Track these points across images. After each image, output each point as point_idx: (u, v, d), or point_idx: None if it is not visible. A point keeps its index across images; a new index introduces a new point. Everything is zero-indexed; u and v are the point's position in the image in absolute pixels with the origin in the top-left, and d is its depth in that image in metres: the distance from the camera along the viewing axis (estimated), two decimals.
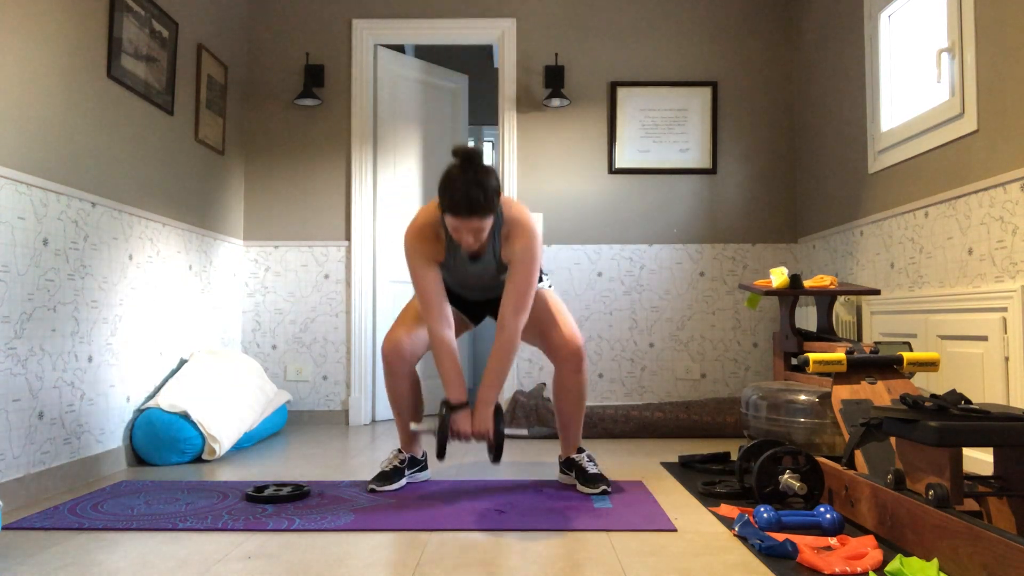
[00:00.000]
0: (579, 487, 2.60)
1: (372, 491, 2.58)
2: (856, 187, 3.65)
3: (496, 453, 2.42)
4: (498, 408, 2.44)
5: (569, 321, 2.65)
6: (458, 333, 2.77)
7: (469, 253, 2.49)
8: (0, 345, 2.35)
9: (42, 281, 2.56)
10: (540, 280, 2.69)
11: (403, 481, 2.66)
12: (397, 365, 2.60)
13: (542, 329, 2.64)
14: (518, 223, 2.45)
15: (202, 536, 2.07)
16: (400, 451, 2.72)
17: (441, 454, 2.37)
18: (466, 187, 2.23)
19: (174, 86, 3.52)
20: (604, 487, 2.53)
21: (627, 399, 4.34)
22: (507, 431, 3.30)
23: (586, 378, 2.67)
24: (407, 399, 2.66)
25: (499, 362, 2.44)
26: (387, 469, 2.65)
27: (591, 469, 2.61)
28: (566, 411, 2.68)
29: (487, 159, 6.36)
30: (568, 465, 2.69)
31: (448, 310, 2.48)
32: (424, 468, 2.79)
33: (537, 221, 4.40)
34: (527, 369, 4.37)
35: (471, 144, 2.32)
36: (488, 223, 2.31)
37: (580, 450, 2.70)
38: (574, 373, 2.63)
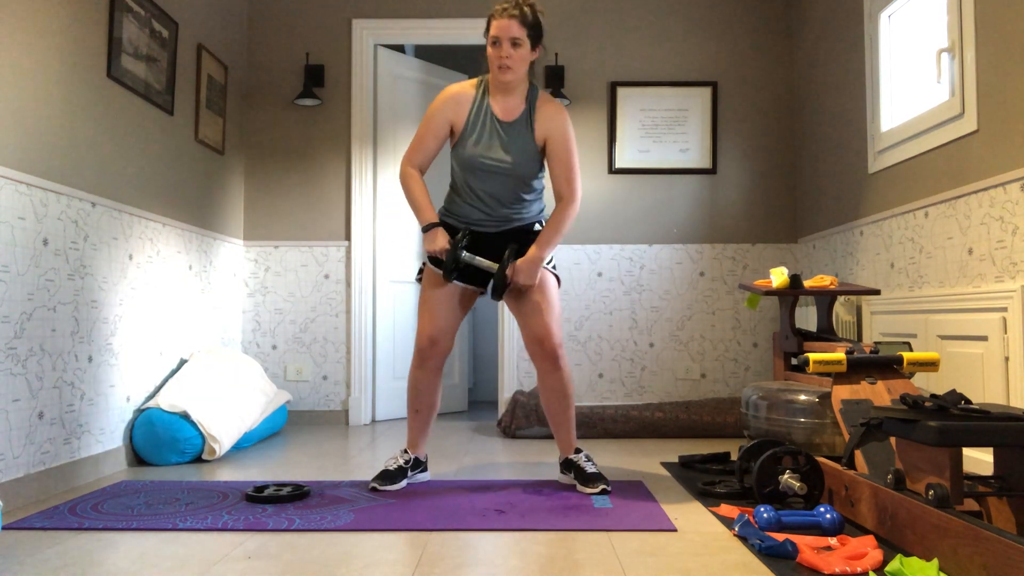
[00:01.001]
0: (579, 487, 2.60)
1: (374, 490, 2.58)
2: (856, 187, 3.65)
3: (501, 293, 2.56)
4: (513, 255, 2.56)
5: (551, 316, 2.62)
6: (463, 313, 2.74)
7: (500, 114, 2.57)
8: (0, 345, 2.35)
9: (42, 281, 2.56)
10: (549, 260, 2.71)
11: (405, 482, 2.66)
12: (432, 360, 2.65)
13: (524, 318, 2.63)
14: (552, 101, 2.61)
15: (202, 536, 2.07)
16: (406, 451, 2.72)
17: (498, 295, 2.54)
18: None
19: (174, 86, 3.52)
20: (603, 486, 2.53)
21: (627, 399, 4.34)
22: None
23: (568, 375, 2.66)
24: (429, 396, 2.69)
25: (557, 227, 2.57)
26: (391, 468, 2.65)
27: (589, 469, 2.61)
28: (554, 411, 2.68)
29: None
30: (567, 466, 2.69)
31: (427, 165, 2.64)
32: (425, 469, 2.79)
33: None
34: (527, 369, 4.37)
35: None
36: (524, 37, 2.47)
37: (578, 450, 2.70)
38: (553, 370, 2.62)
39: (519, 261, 2.57)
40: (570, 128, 2.59)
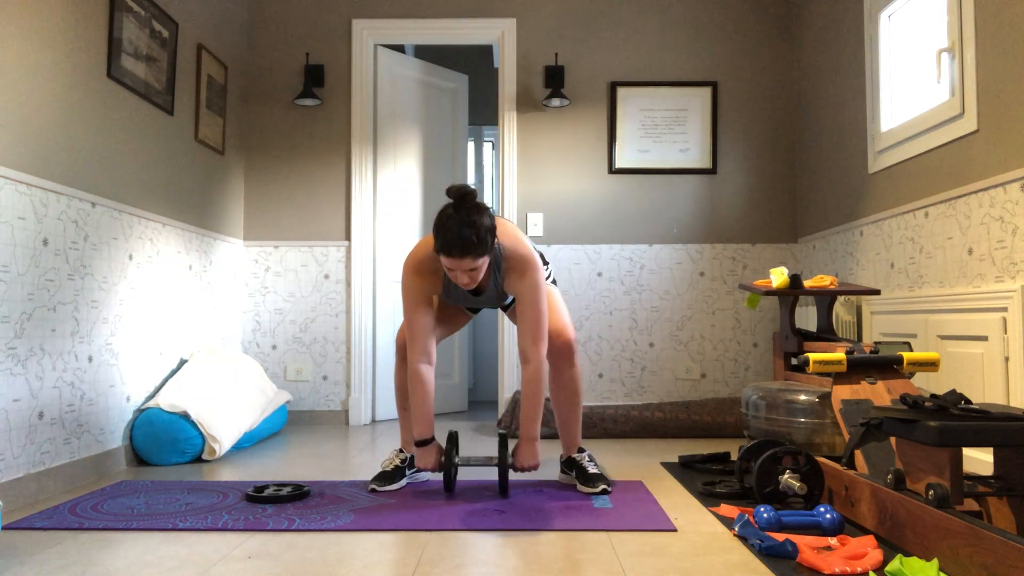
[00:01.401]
0: (579, 487, 2.60)
1: (373, 491, 2.58)
2: (856, 187, 3.65)
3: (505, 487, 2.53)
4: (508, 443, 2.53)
5: (563, 314, 2.66)
6: (460, 325, 2.78)
7: (469, 290, 2.52)
8: (0, 345, 2.35)
9: (42, 281, 2.56)
10: (547, 275, 2.72)
11: (404, 481, 2.66)
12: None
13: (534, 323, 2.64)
14: (517, 257, 2.45)
15: (202, 536, 2.07)
16: (401, 450, 2.73)
17: (504, 490, 2.50)
18: (459, 228, 2.24)
19: (174, 86, 3.52)
20: (604, 486, 2.53)
21: (627, 399, 4.34)
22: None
23: (579, 373, 2.68)
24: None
25: (533, 396, 2.47)
26: (388, 469, 2.65)
27: (591, 469, 2.61)
28: (563, 408, 2.69)
29: (488, 159, 6.36)
30: (569, 464, 2.70)
31: (433, 346, 2.51)
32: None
33: (537, 224, 4.40)
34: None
35: (466, 183, 2.45)
36: (483, 263, 2.32)
37: (581, 450, 2.71)
38: (567, 367, 2.64)
39: (516, 449, 2.53)
40: (539, 282, 2.44)
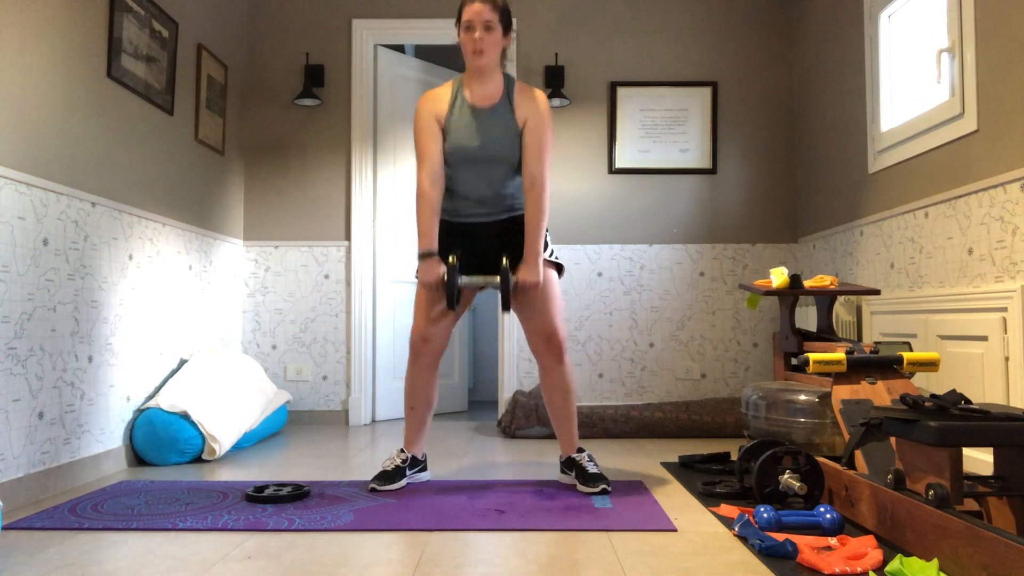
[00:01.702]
0: (579, 487, 2.60)
1: (373, 490, 2.58)
2: (856, 187, 3.65)
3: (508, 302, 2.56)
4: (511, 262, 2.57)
5: (555, 311, 2.65)
6: (464, 305, 2.75)
7: (477, 103, 2.61)
8: (0, 345, 2.35)
9: (42, 281, 2.56)
10: (546, 248, 2.69)
11: (404, 481, 2.66)
12: (425, 357, 2.67)
13: (528, 315, 2.64)
14: (530, 88, 2.65)
15: (202, 536, 2.07)
16: (403, 450, 2.73)
17: (507, 306, 2.53)
18: None
19: (174, 86, 3.52)
20: (604, 486, 2.53)
21: (627, 399, 4.34)
22: None
23: (570, 370, 2.68)
24: (425, 393, 2.71)
25: (538, 216, 2.56)
26: (389, 468, 2.65)
27: (591, 468, 2.61)
28: (556, 406, 2.69)
29: None
30: (568, 465, 2.70)
31: (441, 170, 2.60)
32: (424, 469, 2.79)
33: None
34: (527, 369, 4.37)
35: None
36: (495, 21, 2.54)
37: (580, 450, 2.71)
38: (557, 365, 2.65)
39: (520, 267, 2.57)
40: (549, 114, 2.62)
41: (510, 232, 2.69)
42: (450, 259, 2.54)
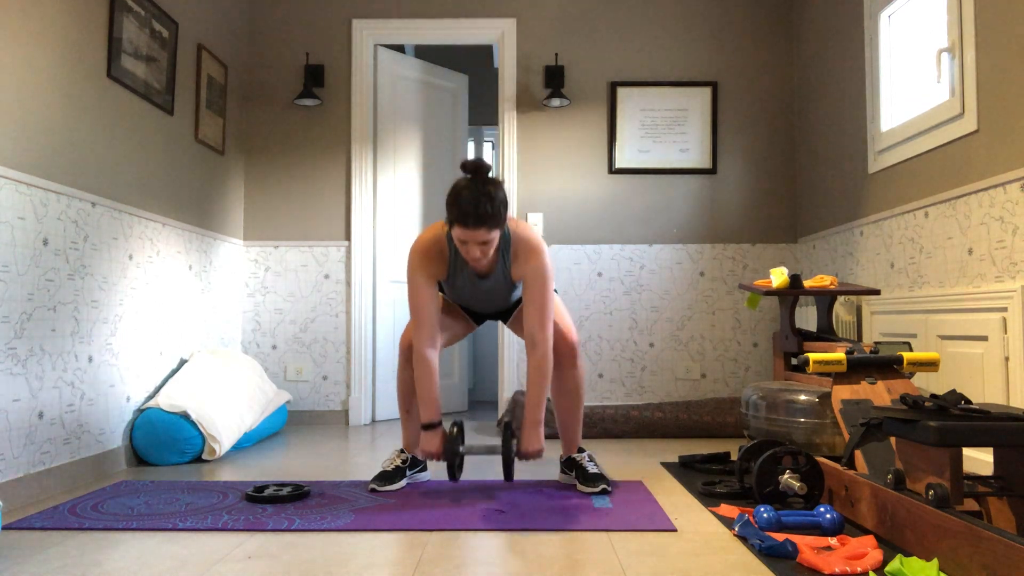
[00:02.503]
0: (579, 486, 2.60)
1: (373, 491, 2.58)
2: (856, 187, 3.65)
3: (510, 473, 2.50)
4: (513, 430, 2.50)
5: (566, 318, 2.69)
6: (463, 334, 2.78)
7: (478, 272, 2.51)
8: (0, 345, 2.35)
9: (42, 281, 2.56)
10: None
11: (404, 481, 2.66)
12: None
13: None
14: (527, 241, 2.47)
15: (202, 536, 2.07)
16: (402, 451, 2.73)
17: (509, 476, 2.48)
18: (475, 198, 2.26)
19: (174, 86, 3.52)
20: (604, 486, 2.53)
21: (627, 399, 4.34)
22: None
23: (582, 375, 2.69)
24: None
25: (540, 381, 2.46)
26: (388, 469, 2.65)
27: (591, 468, 2.62)
28: (565, 409, 2.70)
29: (488, 159, 6.35)
30: (569, 464, 2.70)
31: (438, 332, 2.53)
32: (424, 468, 2.79)
33: (537, 224, 4.40)
34: (526, 369, 4.36)
35: (479, 157, 2.50)
36: (495, 236, 2.34)
37: (581, 450, 2.71)
38: (570, 368, 2.65)
39: (520, 435, 2.51)
40: (546, 267, 2.45)
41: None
42: (452, 430, 2.49)
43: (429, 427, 2.49)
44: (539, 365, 2.45)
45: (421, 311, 2.48)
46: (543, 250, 2.47)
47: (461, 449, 2.52)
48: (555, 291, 2.75)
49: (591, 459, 2.66)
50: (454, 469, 2.49)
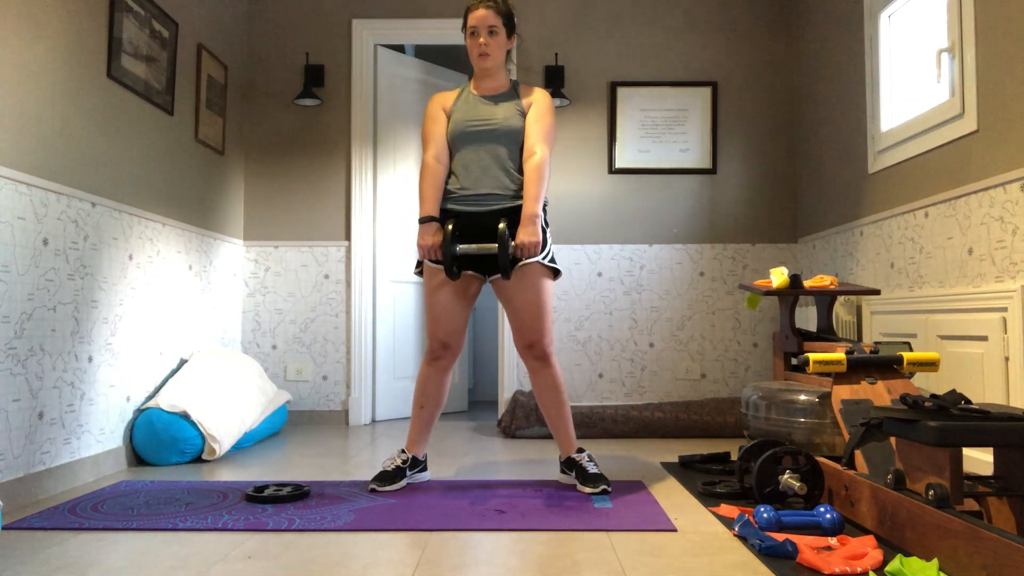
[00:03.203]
0: (579, 487, 2.60)
1: (373, 491, 2.58)
2: (856, 187, 3.65)
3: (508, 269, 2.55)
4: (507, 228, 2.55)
5: (542, 318, 2.64)
6: (473, 297, 2.72)
7: (488, 93, 2.71)
8: (0, 345, 2.35)
9: (42, 281, 2.56)
10: (545, 244, 2.64)
11: (404, 481, 2.66)
12: (443, 360, 2.70)
13: (515, 316, 2.63)
14: (538, 89, 2.74)
15: (202, 536, 2.07)
16: (404, 451, 2.73)
17: (507, 273, 2.53)
18: None
19: (174, 86, 3.52)
20: (604, 486, 2.53)
21: (627, 399, 4.34)
22: None
23: (558, 373, 2.69)
24: (436, 394, 2.74)
25: (537, 182, 2.58)
26: (389, 469, 2.66)
27: (591, 469, 2.62)
28: (551, 409, 2.70)
29: None
30: (568, 465, 2.70)
31: (446, 150, 2.70)
32: (425, 469, 2.79)
33: None
34: (527, 370, 4.36)
35: None
36: (501, 26, 2.65)
37: (580, 450, 2.71)
38: (542, 367, 2.66)
39: (518, 230, 2.56)
40: (552, 108, 2.70)
41: (504, 218, 2.66)
42: (448, 226, 2.55)
43: (425, 220, 2.61)
44: (536, 168, 2.58)
45: (430, 132, 2.71)
46: (549, 96, 2.72)
47: (458, 249, 2.54)
48: (555, 273, 2.69)
49: (591, 459, 2.66)
50: (449, 267, 2.54)
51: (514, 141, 2.66)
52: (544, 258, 2.64)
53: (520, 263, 2.59)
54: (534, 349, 2.65)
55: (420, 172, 2.70)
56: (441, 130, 2.70)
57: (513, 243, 2.53)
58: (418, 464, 2.74)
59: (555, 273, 2.70)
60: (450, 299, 2.67)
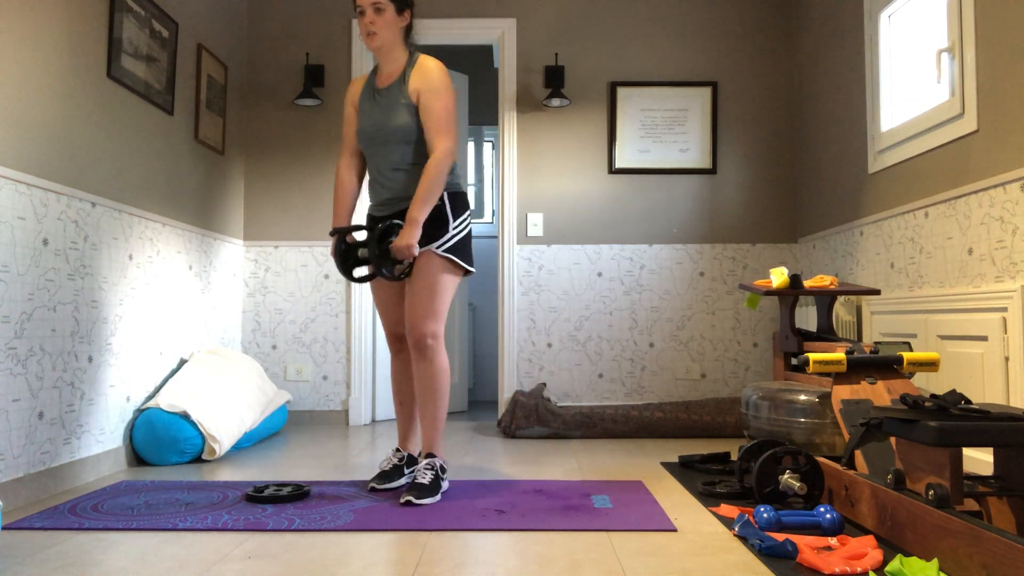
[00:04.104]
0: (393, 485, 2.61)
1: (373, 490, 2.58)
2: (856, 187, 3.65)
3: (395, 273, 2.54)
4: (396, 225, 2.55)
5: (428, 305, 2.52)
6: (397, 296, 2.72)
7: (382, 84, 2.62)
8: (0, 345, 2.35)
9: (42, 281, 2.56)
10: (444, 236, 2.54)
11: (403, 480, 2.66)
12: (404, 351, 2.72)
13: (407, 302, 2.57)
14: (427, 61, 2.60)
15: (202, 536, 2.07)
16: (399, 449, 2.73)
17: (380, 270, 2.49)
18: None
19: (174, 86, 3.52)
20: (410, 498, 2.38)
21: (627, 399, 4.34)
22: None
23: (438, 368, 2.54)
24: (411, 388, 2.73)
25: (426, 183, 2.47)
26: (387, 468, 2.66)
27: (420, 478, 2.47)
28: (418, 399, 2.59)
29: (488, 159, 6.35)
30: (411, 463, 2.70)
31: (357, 154, 2.72)
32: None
33: (537, 224, 4.40)
34: (527, 369, 4.37)
35: None
36: (388, 4, 2.53)
37: (431, 455, 2.55)
38: (419, 359, 2.54)
39: (399, 232, 2.52)
40: (443, 81, 2.54)
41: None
42: (336, 237, 2.61)
43: (332, 233, 2.62)
44: (429, 168, 2.47)
45: (343, 134, 2.74)
46: (442, 69, 2.57)
47: (342, 248, 2.61)
48: (467, 268, 2.60)
49: (431, 469, 2.50)
50: (340, 266, 2.61)
51: (406, 140, 2.56)
52: (439, 247, 2.53)
53: (420, 251, 2.55)
54: (413, 337, 2.53)
55: (336, 181, 2.74)
56: (351, 131, 2.71)
57: (391, 244, 2.51)
58: (415, 462, 2.73)
59: (457, 267, 2.58)
60: (387, 295, 2.71)
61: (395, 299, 2.71)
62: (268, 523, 2.17)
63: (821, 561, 1.73)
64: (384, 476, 2.62)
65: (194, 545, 1.98)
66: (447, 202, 2.58)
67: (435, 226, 2.54)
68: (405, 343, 2.72)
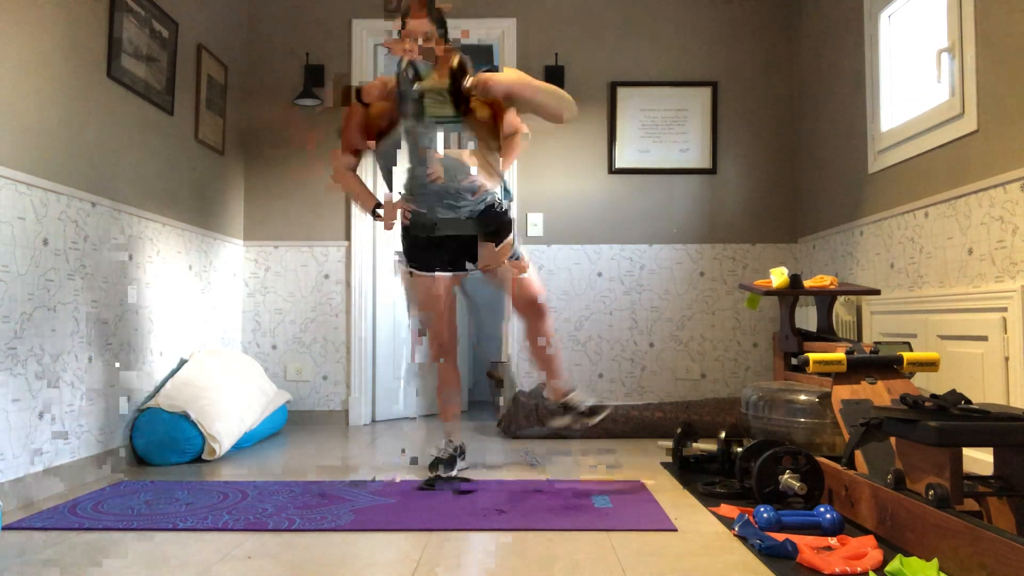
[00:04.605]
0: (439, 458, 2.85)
1: (437, 477, 2.72)
2: (856, 187, 3.65)
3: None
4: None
5: (534, 273, 2.90)
6: (450, 293, 2.86)
7: (423, 80, 2.68)
8: (0, 345, 2.35)
9: (42, 281, 2.56)
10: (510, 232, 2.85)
11: (456, 469, 2.84)
12: (453, 354, 2.91)
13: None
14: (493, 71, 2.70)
15: (202, 536, 2.07)
16: (451, 440, 2.93)
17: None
18: None
19: (174, 86, 3.52)
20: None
21: (627, 399, 4.34)
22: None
23: (551, 327, 2.91)
24: (456, 385, 2.95)
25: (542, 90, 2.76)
26: (444, 457, 2.83)
27: (444, 454, 2.87)
28: (538, 354, 2.91)
29: None
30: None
31: (357, 150, 2.79)
32: (463, 457, 2.98)
33: (537, 224, 4.40)
34: (527, 369, 4.36)
35: None
36: (429, 29, 2.58)
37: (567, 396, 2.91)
38: (536, 320, 2.88)
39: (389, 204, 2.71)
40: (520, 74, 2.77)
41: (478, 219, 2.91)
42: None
43: (376, 209, 2.72)
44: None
45: (348, 120, 2.76)
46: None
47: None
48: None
49: (451, 448, 2.89)
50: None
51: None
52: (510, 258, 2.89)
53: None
54: (531, 297, 2.89)
55: (333, 173, 2.87)
56: (357, 127, 2.82)
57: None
58: (463, 452, 2.97)
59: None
60: (434, 298, 2.85)
61: (444, 303, 2.85)
62: (268, 523, 2.17)
63: (821, 561, 1.73)
64: (443, 463, 2.81)
65: (194, 545, 1.98)
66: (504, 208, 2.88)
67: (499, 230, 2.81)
68: (449, 352, 2.90)
